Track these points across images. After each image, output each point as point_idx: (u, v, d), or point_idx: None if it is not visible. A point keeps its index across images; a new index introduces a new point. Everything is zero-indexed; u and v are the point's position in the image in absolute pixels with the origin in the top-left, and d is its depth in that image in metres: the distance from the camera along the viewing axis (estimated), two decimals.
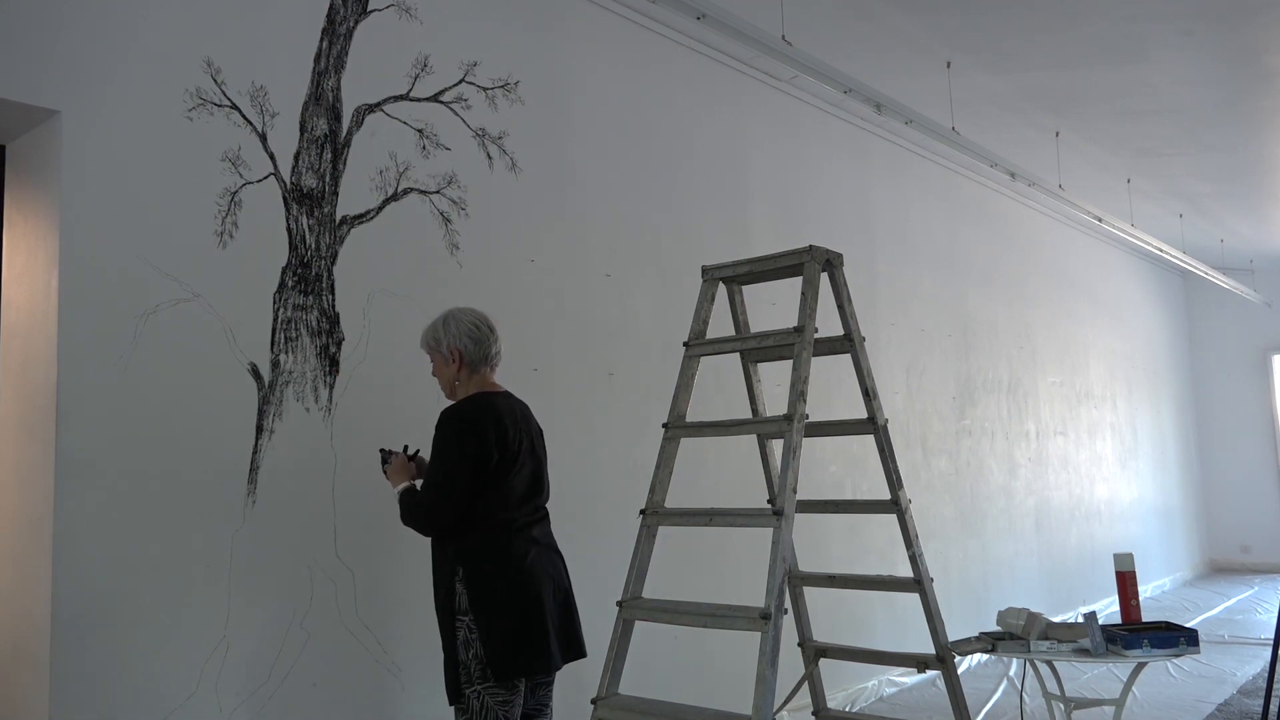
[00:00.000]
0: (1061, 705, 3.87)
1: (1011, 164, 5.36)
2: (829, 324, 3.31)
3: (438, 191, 3.29)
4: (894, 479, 3.18)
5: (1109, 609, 7.20)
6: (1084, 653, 3.56)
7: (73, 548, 2.36)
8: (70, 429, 2.39)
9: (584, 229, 3.81)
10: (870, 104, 4.27)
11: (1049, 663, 3.82)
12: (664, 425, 3.11)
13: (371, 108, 3.12)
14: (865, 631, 4.85)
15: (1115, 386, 8.43)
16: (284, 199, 2.87)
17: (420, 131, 3.25)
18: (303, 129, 2.93)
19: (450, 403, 2.64)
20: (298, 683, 2.74)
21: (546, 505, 2.72)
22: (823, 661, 3.49)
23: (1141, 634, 3.55)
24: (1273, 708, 4.14)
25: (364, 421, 2.98)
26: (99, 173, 2.49)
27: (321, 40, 3.01)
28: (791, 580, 3.45)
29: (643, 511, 3.00)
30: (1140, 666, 3.61)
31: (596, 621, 3.14)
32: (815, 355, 3.06)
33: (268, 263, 2.82)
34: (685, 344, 3.18)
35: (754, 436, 3.62)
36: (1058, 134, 5.87)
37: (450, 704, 2.51)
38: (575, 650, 2.66)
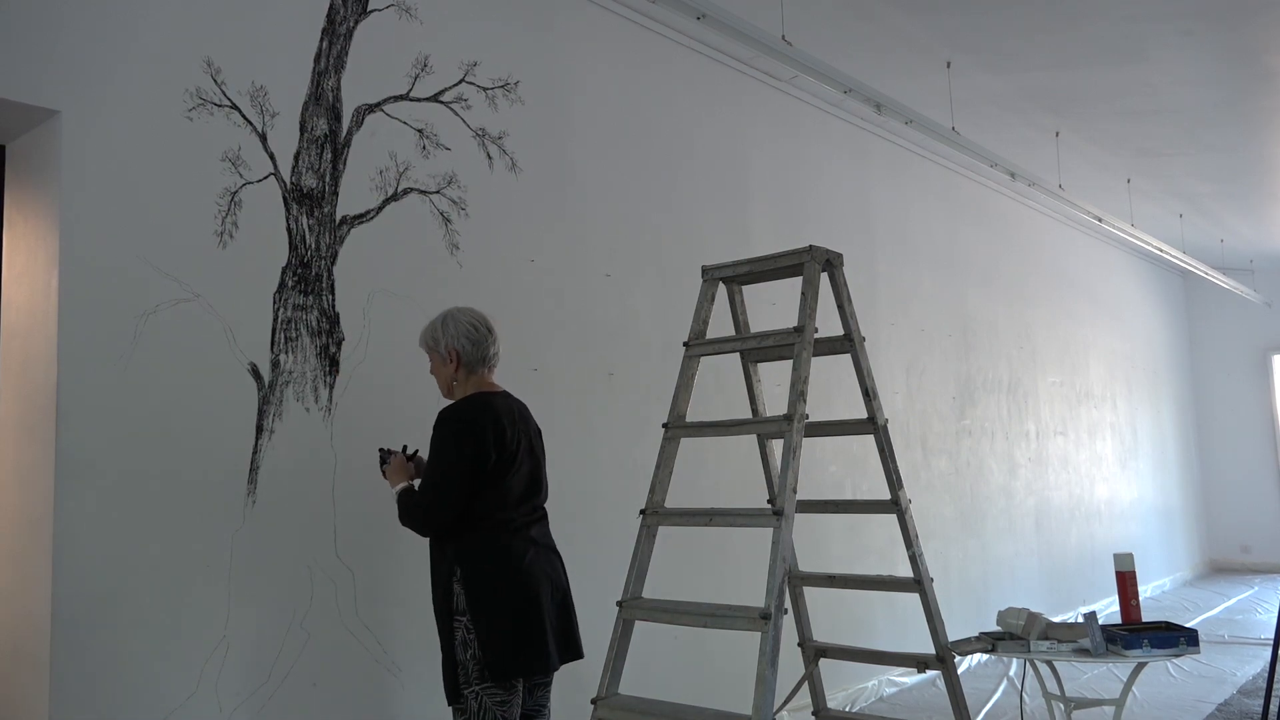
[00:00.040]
0: (1061, 705, 3.87)
1: (1011, 164, 5.36)
2: (829, 324, 3.31)
3: (438, 191, 3.29)
4: (894, 479, 3.18)
5: (1109, 609, 7.20)
6: (1084, 653, 3.56)
7: (73, 548, 2.36)
8: (70, 429, 2.39)
9: (584, 229, 3.81)
10: (870, 104, 4.27)
11: (1049, 663, 3.82)
12: (664, 425, 3.11)
13: (371, 108, 3.12)
14: (865, 631, 4.85)
15: (1115, 386, 8.43)
16: (284, 199, 2.87)
17: (420, 131, 3.25)
18: (303, 129, 2.93)
19: (448, 402, 2.64)
20: (298, 683, 2.74)
21: (545, 505, 2.72)
22: (823, 661, 3.49)
23: (1141, 634, 3.55)
24: (1273, 708, 4.14)
25: (364, 421, 2.98)
26: (99, 173, 2.49)
27: (321, 40, 3.01)
28: (791, 580, 3.45)
29: (643, 511, 3.01)
30: (1140, 666, 3.61)
31: (596, 621, 3.14)
32: (815, 355, 3.06)
33: (268, 263, 2.82)
34: (685, 344, 3.18)
35: (754, 436, 3.62)
36: (1058, 134, 5.87)
37: (449, 704, 2.51)
38: (572, 651, 2.66)
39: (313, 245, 2.92)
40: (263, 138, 2.84)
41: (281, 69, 2.90)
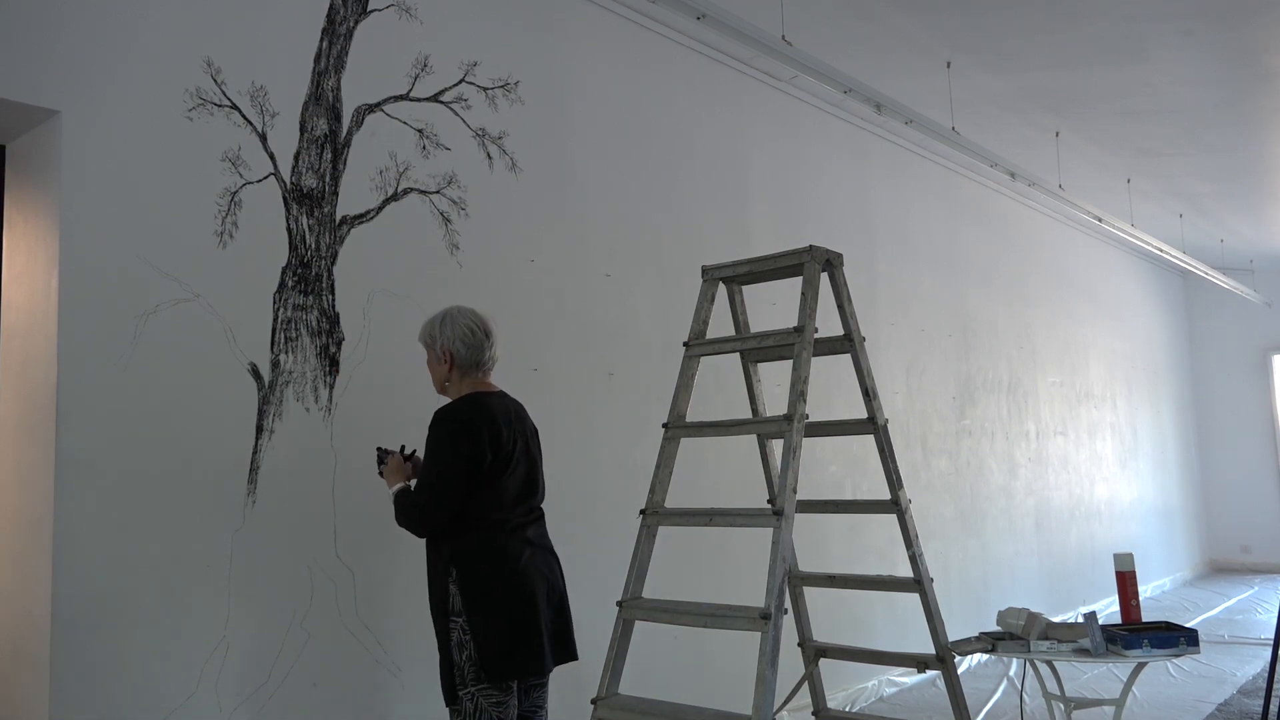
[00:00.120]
0: (1061, 705, 3.87)
1: (1011, 164, 5.37)
2: (829, 324, 3.31)
3: (438, 191, 3.29)
4: (894, 479, 3.18)
5: (1109, 609, 7.20)
6: (1084, 653, 3.56)
7: (73, 548, 2.36)
8: (70, 429, 2.39)
9: (584, 229, 3.81)
10: (870, 104, 4.27)
11: (1049, 663, 3.82)
12: (664, 425, 3.11)
13: (371, 108, 3.12)
14: (865, 631, 4.85)
15: (1115, 386, 8.43)
16: (284, 199, 2.87)
17: (420, 131, 3.25)
18: (303, 129, 2.93)
19: (444, 401, 2.64)
20: (298, 683, 2.74)
21: (541, 506, 2.72)
22: (823, 661, 3.49)
23: (1141, 634, 3.55)
24: (1273, 708, 4.14)
25: (364, 421, 2.98)
26: (99, 173, 2.49)
27: (321, 40, 3.01)
28: (791, 580, 3.45)
29: (643, 511, 3.00)
30: (1140, 666, 3.61)
31: (596, 621, 3.14)
32: (815, 355, 3.06)
33: (268, 263, 2.82)
34: (685, 344, 3.18)
35: (754, 436, 3.62)
36: (1058, 134, 5.87)
37: (446, 705, 2.51)
38: (567, 653, 2.65)
39: (313, 245, 2.92)
40: (263, 138, 2.84)
41: (281, 69, 2.90)
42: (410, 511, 2.54)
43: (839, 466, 4.97)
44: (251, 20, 2.84)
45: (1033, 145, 5.98)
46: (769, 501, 3.06)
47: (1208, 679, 5.44)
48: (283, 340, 2.82)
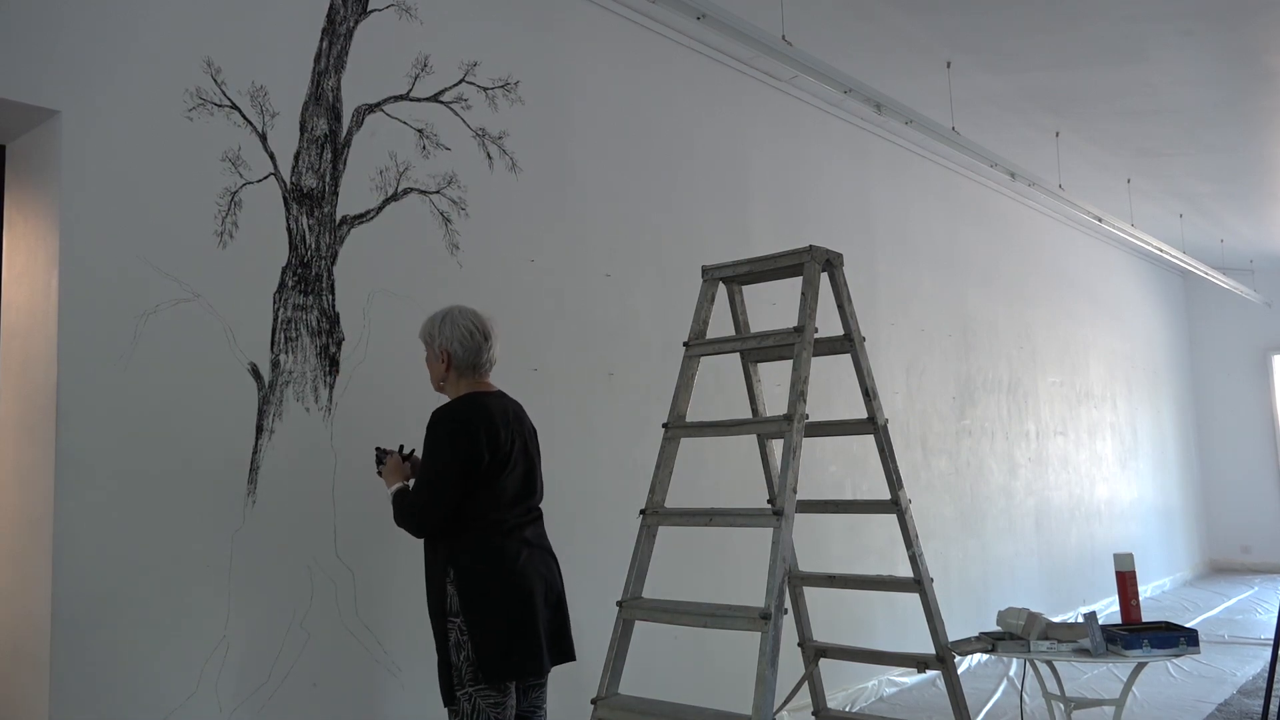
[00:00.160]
0: (1061, 705, 3.87)
1: (1011, 164, 5.37)
2: (829, 324, 3.31)
3: (438, 191, 3.29)
4: (894, 479, 3.18)
5: (1109, 609, 7.20)
6: (1084, 653, 3.56)
7: (73, 548, 2.36)
8: (70, 429, 2.39)
9: (584, 229, 3.81)
10: (870, 104, 4.27)
11: (1049, 663, 3.82)
12: (664, 425, 3.11)
13: (371, 108, 3.12)
14: (865, 631, 4.85)
15: (1115, 386, 8.43)
16: (284, 199, 2.87)
17: (420, 131, 3.25)
18: (303, 129, 2.93)
19: (442, 401, 2.64)
20: (298, 683, 2.74)
21: (540, 506, 2.72)
22: (823, 661, 3.49)
23: (1141, 634, 3.55)
24: (1273, 708, 4.14)
25: (364, 421, 2.98)
26: (99, 173, 2.49)
27: (321, 40, 3.01)
28: (791, 580, 3.45)
29: (643, 511, 3.00)
30: (1140, 666, 3.61)
31: (596, 621, 3.15)
32: (815, 355, 3.06)
33: (268, 263, 2.82)
34: (685, 344, 3.18)
35: (754, 436, 3.62)
36: (1058, 134, 5.87)
37: (445, 706, 2.50)
38: (564, 654, 2.65)
39: (313, 245, 2.92)
40: (263, 138, 2.84)
41: (281, 69, 2.90)
42: (408, 511, 2.54)
43: (839, 466, 4.97)
44: (251, 20, 2.84)
45: (1033, 145, 5.98)
46: (769, 501, 3.06)
47: (1208, 679, 5.44)
48: (283, 340, 2.82)
